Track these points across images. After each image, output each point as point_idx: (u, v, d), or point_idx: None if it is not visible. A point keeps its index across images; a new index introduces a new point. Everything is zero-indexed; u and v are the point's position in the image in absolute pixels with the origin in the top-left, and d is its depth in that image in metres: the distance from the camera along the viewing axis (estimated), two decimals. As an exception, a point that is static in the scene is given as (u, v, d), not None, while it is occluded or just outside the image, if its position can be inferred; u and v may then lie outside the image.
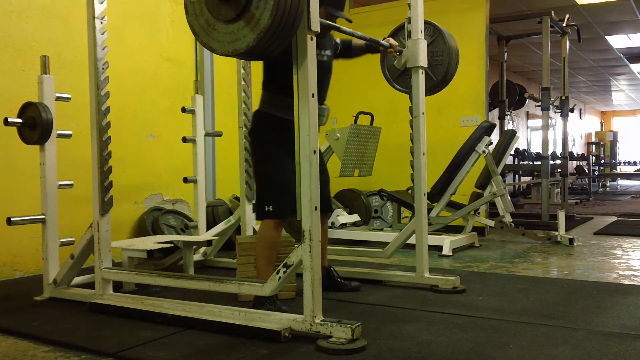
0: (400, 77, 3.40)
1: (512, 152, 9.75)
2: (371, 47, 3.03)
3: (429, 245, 3.19)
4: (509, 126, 10.45)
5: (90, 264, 2.94)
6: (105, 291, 2.77)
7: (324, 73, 2.75)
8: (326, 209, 2.93)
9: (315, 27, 2.12)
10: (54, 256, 2.96)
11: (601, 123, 23.29)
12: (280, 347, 2.09)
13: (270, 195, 2.62)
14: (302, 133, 2.13)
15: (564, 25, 6.73)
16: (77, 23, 3.90)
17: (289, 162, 2.59)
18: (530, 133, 15.57)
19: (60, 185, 2.98)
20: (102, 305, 2.66)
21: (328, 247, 3.23)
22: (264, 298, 2.43)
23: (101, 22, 2.72)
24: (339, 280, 3.03)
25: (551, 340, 2.13)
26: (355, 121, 4.29)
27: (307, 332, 2.14)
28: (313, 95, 2.12)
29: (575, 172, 13.18)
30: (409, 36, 3.03)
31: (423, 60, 3.02)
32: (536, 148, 13.61)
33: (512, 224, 4.73)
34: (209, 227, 3.94)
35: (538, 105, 6.54)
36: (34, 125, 2.87)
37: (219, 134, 4.32)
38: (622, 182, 17.15)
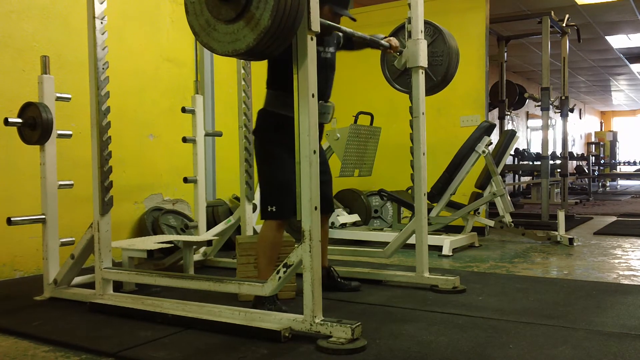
0: (400, 77, 3.40)
1: (512, 152, 9.76)
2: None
3: (429, 245, 3.19)
4: (508, 126, 10.45)
5: (90, 264, 2.95)
6: (105, 291, 2.77)
7: (327, 70, 2.76)
8: (327, 210, 2.93)
9: (316, 27, 2.12)
10: (54, 256, 2.96)
11: (601, 123, 23.30)
12: (280, 347, 2.09)
13: (273, 196, 2.62)
14: (302, 133, 2.13)
15: (564, 25, 6.73)
16: (77, 23, 3.90)
17: (289, 161, 2.58)
18: (530, 133, 15.57)
19: (61, 185, 2.99)
20: (103, 305, 2.66)
21: (328, 247, 3.23)
22: (264, 298, 2.44)
23: (101, 22, 2.72)
24: (339, 280, 3.03)
25: (551, 340, 2.13)
26: (355, 121, 4.29)
27: (307, 332, 2.14)
28: (313, 95, 2.12)
29: (575, 172, 13.17)
30: (409, 36, 3.03)
31: (423, 60, 3.02)
32: (536, 148, 13.62)
33: (512, 224, 4.73)
34: (209, 227, 3.94)
35: (538, 105, 6.54)
36: (34, 125, 2.87)
37: (219, 134, 4.32)
38: (621, 182, 17.15)
